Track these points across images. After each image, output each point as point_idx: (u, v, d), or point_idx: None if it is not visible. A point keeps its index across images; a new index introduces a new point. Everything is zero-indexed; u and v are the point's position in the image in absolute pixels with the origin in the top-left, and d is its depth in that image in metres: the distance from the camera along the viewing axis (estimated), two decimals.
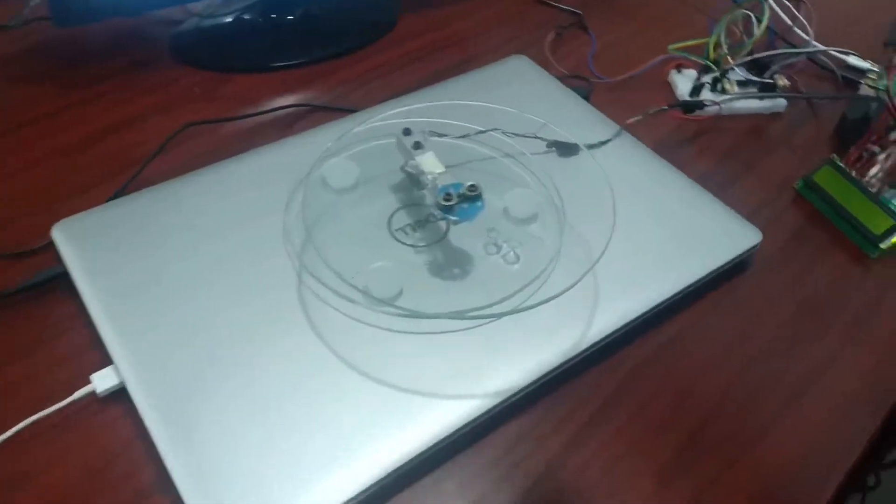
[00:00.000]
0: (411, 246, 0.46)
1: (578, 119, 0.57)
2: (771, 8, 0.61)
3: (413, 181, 0.49)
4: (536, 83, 0.60)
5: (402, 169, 0.49)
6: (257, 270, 0.44)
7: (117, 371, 0.40)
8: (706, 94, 0.63)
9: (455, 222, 0.43)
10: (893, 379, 0.46)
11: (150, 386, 0.39)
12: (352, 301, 0.41)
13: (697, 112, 0.60)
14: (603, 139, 0.55)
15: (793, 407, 0.44)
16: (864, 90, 0.63)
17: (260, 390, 0.39)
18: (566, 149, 0.53)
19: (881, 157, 0.54)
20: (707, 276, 0.48)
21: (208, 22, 0.70)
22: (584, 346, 0.43)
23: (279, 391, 0.39)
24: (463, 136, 0.53)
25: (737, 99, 0.61)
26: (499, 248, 0.47)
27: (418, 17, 0.72)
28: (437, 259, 0.46)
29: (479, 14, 0.73)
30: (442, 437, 0.38)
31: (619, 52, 0.69)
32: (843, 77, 0.66)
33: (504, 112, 0.53)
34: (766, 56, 0.63)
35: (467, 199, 0.43)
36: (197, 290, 0.43)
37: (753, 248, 0.50)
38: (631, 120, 0.56)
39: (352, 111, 0.57)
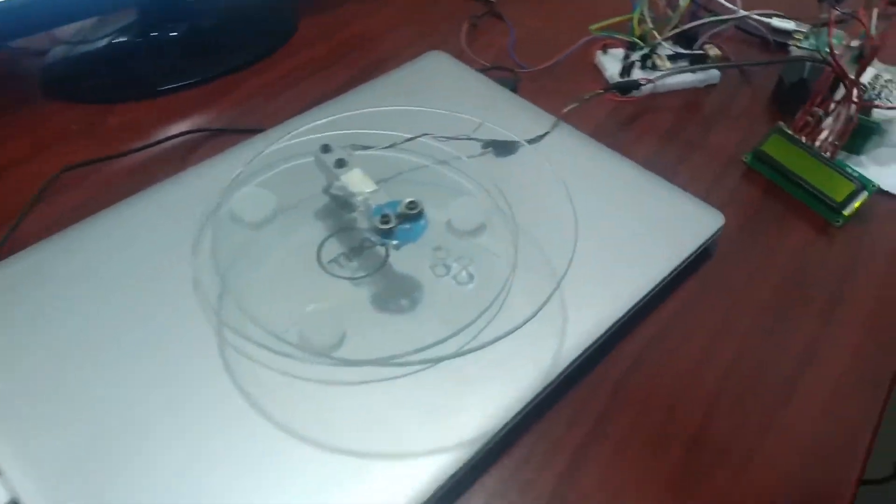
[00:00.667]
0: (349, 279, 0.40)
1: (510, 113, 0.52)
2: None
3: (341, 204, 0.43)
4: (459, 79, 0.55)
5: (327, 191, 0.43)
6: (167, 335, 0.37)
7: (7, 484, 0.32)
8: (637, 74, 0.59)
9: (397, 246, 0.37)
10: (884, 353, 0.43)
11: (52, 498, 0.31)
12: (287, 356, 0.35)
13: (633, 93, 0.56)
14: (540, 132, 0.50)
15: (792, 396, 0.40)
16: (795, 51, 0.60)
17: (189, 481, 0.32)
18: (504, 147, 0.48)
19: (828, 119, 0.51)
20: (676, 268, 0.43)
21: (80, 49, 0.61)
22: (562, 366, 0.37)
23: (212, 479, 0.32)
24: (390, 146, 0.47)
25: (670, 74, 0.58)
26: (448, 268, 0.41)
27: (319, 19, 0.66)
28: (380, 290, 0.40)
29: (385, 11, 0.67)
30: None
31: (540, 38, 0.65)
32: (776, 41, 0.63)
33: (431, 114, 0.48)
34: (693, 27, 0.60)
35: (408, 219, 0.37)
36: (97, 372, 0.35)
37: (717, 232, 0.46)
38: (567, 109, 0.52)
39: (258, 131, 0.50)
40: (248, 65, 0.60)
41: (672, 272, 0.43)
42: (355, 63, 0.61)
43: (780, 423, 0.39)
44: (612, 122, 0.57)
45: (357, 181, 0.39)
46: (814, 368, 0.41)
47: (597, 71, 0.61)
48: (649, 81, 0.56)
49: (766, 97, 0.60)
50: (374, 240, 0.38)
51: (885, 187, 0.50)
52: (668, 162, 0.54)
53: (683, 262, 0.44)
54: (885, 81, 0.52)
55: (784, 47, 0.63)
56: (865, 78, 0.54)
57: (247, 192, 0.44)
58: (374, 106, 0.49)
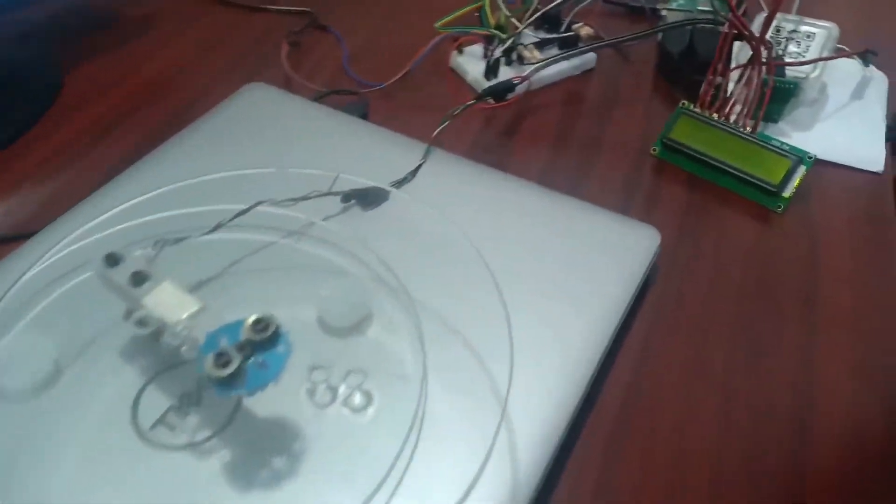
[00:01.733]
0: (185, 447, 0.27)
1: (366, 149, 0.40)
2: None
3: (154, 334, 0.29)
4: (290, 115, 0.42)
5: (128, 319, 0.29)
6: None
7: None
8: (505, 71, 0.49)
9: (249, 394, 0.24)
10: (887, 354, 0.35)
11: None
12: None
13: (508, 95, 0.46)
14: (410, 166, 0.39)
15: (805, 415, 0.31)
16: (673, 16, 0.53)
17: None
18: (370, 197, 0.36)
19: (737, 89, 0.43)
20: (628, 307, 0.33)
21: None
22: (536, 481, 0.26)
23: None
24: (214, 230, 0.33)
25: (543, 66, 0.48)
26: (333, 390, 0.29)
27: (93, 67, 0.51)
28: (237, 455, 0.27)
29: (178, 43, 0.53)
30: None
31: (380, 47, 0.53)
32: (650, 9, 0.55)
33: (262, 174, 0.35)
34: (555, 6, 0.50)
35: (258, 348, 0.24)
36: None
37: (656, 251, 0.36)
38: (436, 131, 0.41)
39: (16, 239, 0.35)
40: None
41: (624, 313, 0.33)
42: (151, 117, 0.46)
43: (808, 449, 0.30)
44: (492, 136, 0.46)
45: (168, 302, 0.26)
46: (817, 380, 0.33)
47: (456, 76, 0.51)
48: (523, 79, 0.46)
49: (650, 74, 0.52)
50: (212, 390, 0.25)
51: (819, 155, 0.43)
52: (569, 172, 0.44)
53: (632, 297, 0.34)
54: (789, 33, 0.45)
55: (658, 15, 0.55)
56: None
57: (9, 343, 0.29)
58: (181, 171, 0.35)
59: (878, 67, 0.48)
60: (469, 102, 0.43)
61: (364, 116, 0.45)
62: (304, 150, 0.39)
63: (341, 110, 0.44)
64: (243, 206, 0.34)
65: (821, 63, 0.43)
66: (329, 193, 0.35)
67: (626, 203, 0.42)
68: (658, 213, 0.41)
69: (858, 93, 0.46)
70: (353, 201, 0.36)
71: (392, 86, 0.49)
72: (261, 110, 0.43)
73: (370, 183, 0.36)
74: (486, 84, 0.48)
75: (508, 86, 0.45)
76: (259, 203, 0.34)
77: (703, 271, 0.38)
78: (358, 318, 0.31)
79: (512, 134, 0.46)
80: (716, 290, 0.37)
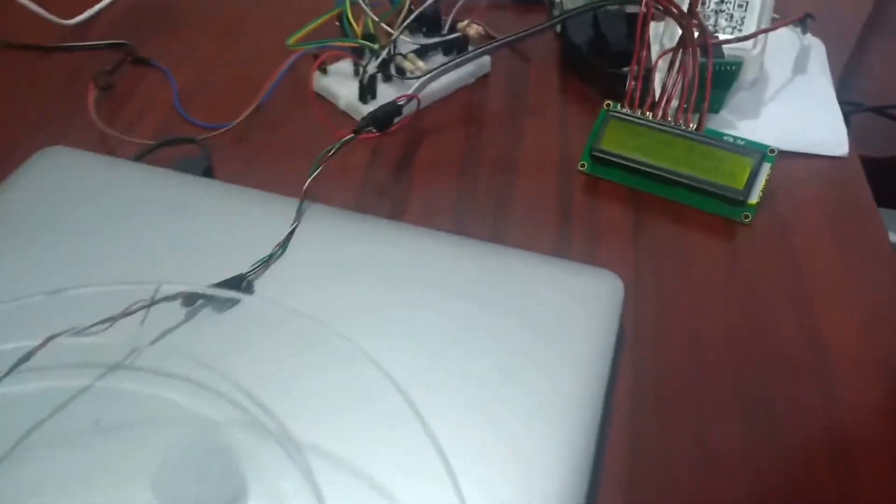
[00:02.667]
0: None
1: (211, 220, 0.29)
2: None
3: None
4: (101, 188, 0.31)
5: None
6: None
7: None
8: (385, 90, 0.39)
9: None
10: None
11: None
12: None
13: (395, 120, 0.36)
14: (277, 237, 0.28)
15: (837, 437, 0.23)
16: (568, 3, 0.44)
17: None
18: (219, 298, 0.26)
19: (670, 81, 0.35)
20: (610, 378, 0.24)
21: None
22: None
23: None
24: None
25: (431, 79, 0.39)
26: None
27: None
28: None
29: None
30: None
31: (220, 78, 0.42)
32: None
33: (63, 291, 0.24)
34: (431, 5, 0.41)
35: None
36: None
37: (621, 303, 0.28)
38: (308, 180, 0.30)
39: None
40: None
41: (608, 385, 0.24)
42: None
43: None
44: (383, 173, 0.36)
45: None
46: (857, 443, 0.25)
47: (325, 102, 0.40)
48: (409, 97, 0.36)
49: (559, 72, 0.43)
50: None
51: (776, 145, 0.36)
52: (485, 208, 0.34)
53: (612, 368, 0.25)
54: (717, 4, 0.37)
55: (554, 1, 0.47)
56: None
57: None
58: None
59: (812, 33, 0.42)
60: (346, 138, 0.32)
61: (207, 172, 0.34)
62: (119, 240, 0.28)
63: (175, 168, 0.32)
64: (33, 343, 0.22)
65: (761, 36, 0.35)
66: (158, 301, 0.24)
67: (561, 238, 0.33)
68: (604, 247, 0.33)
69: (800, 66, 0.40)
70: (199, 302, 0.25)
71: (242, 125, 0.38)
72: (59, 185, 0.31)
73: (212, 281, 0.25)
74: (365, 109, 0.38)
75: (393, 109, 0.35)
76: (53, 336, 0.22)
77: (677, 318, 0.30)
78: (224, 497, 0.20)
79: (407, 167, 0.37)
80: (699, 342, 0.29)
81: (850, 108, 0.39)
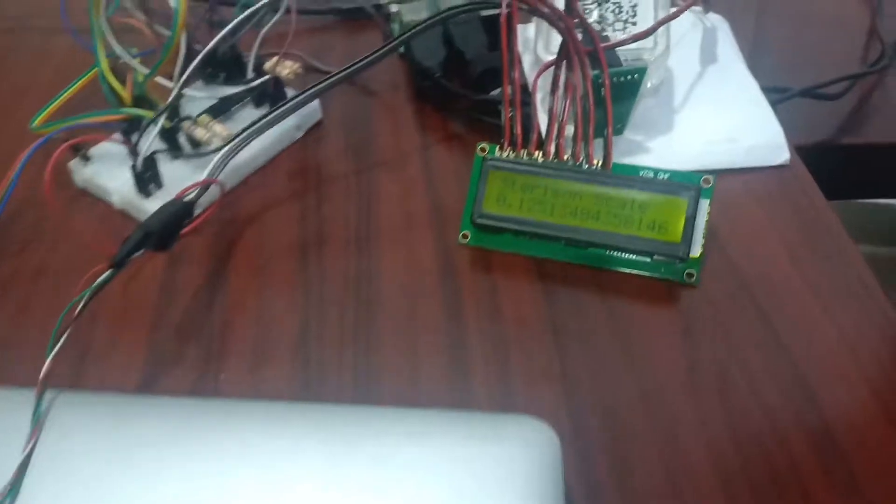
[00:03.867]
0: None
1: None
2: None
3: None
4: None
5: None
6: None
7: None
8: (175, 172, 0.28)
9: None
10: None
11: None
12: None
13: (186, 223, 0.25)
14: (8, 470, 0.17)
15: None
16: (411, 12, 0.34)
17: None
18: None
19: (556, 105, 0.26)
20: None
21: None
22: None
23: None
24: None
25: (236, 149, 0.28)
26: None
27: None
28: None
29: None
30: None
31: None
32: (375, 7, 0.36)
33: None
34: (222, 42, 0.30)
35: None
36: None
37: (560, 455, 0.18)
38: (47, 363, 0.19)
39: None
40: None
41: None
42: None
43: None
44: (181, 305, 0.25)
45: None
46: None
47: (93, 200, 0.29)
48: (202, 185, 0.25)
49: (413, 106, 0.33)
50: None
51: (701, 164, 0.28)
52: (342, 334, 0.24)
53: None
54: None
55: (388, 14, 0.37)
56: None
57: None
58: None
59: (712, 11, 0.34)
60: (98, 280, 0.21)
61: None
62: None
63: None
64: None
65: (661, 29, 0.27)
66: None
67: (455, 366, 0.23)
68: (520, 369, 0.23)
69: (708, 54, 0.31)
70: None
71: None
72: None
73: None
74: (149, 204, 0.27)
75: (177, 212, 0.24)
76: None
77: (641, 452, 0.21)
78: None
79: (220, 285, 0.26)
80: (676, 482, 0.20)
81: (777, 97, 0.31)
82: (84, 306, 0.21)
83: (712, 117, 0.29)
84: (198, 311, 0.25)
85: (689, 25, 0.31)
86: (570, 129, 0.26)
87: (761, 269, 0.25)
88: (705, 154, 0.28)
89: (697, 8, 0.32)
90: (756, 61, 0.33)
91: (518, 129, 0.26)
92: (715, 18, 0.33)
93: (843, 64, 0.37)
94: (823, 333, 0.24)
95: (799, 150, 0.30)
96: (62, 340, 0.20)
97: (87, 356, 0.24)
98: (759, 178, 0.28)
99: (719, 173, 0.28)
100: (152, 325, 0.25)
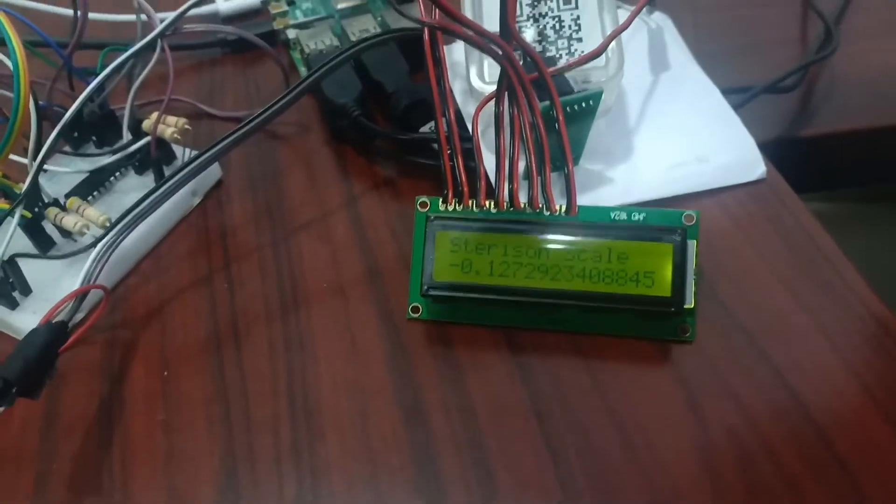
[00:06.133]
0: None
1: None
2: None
3: None
4: None
5: None
6: None
7: None
8: (44, 272, 0.22)
9: None
10: None
11: None
12: None
13: (60, 350, 0.20)
14: None
15: None
16: (309, 39, 0.29)
17: None
18: None
19: (503, 144, 0.22)
20: None
21: None
22: None
23: None
24: None
25: (118, 240, 0.22)
26: None
27: None
28: None
29: None
30: None
31: None
32: (265, 36, 0.30)
33: None
34: (88, 102, 0.24)
35: None
36: None
37: None
38: None
39: None
40: None
41: None
42: None
43: None
44: (68, 460, 0.20)
45: None
46: None
47: None
48: (82, 294, 0.20)
49: (330, 150, 0.28)
50: None
51: (673, 192, 0.24)
52: (283, 459, 0.19)
53: None
54: (531, 6, 0.24)
55: (286, 45, 0.31)
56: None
57: None
58: None
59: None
60: None
61: None
62: None
63: None
64: None
65: (614, 43, 0.23)
66: None
67: (421, 472, 0.19)
68: (499, 469, 0.19)
69: (659, 61, 0.28)
70: None
71: None
72: None
73: None
74: (17, 318, 0.22)
75: (48, 343, 0.18)
76: None
77: None
78: None
79: (116, 419, 0.20)
80: None
81: (738, 99, 0.28)
82: None
83: (676, 135, 0.25)
84: (92, 452, 0.20)
85: (632, 29, 0.27)
86: (522, 166, 0.22)
87: (758, 311, 0.22)
88: (674, 180, 0.24)
89: (646, 10, 0.29)
90: (703, 60, 0.29)
91: (462, 177, 0.22)
92: (659, 17, 0.29)
93: (788, 47, 0.34)
94: (841, 384, 0.21)
95: (760, 147, 0.27)
96: None
97: None
98: (734, 197, 0.25)
99: (688, 198, 0.24)
100: (37, 477, 0.19)
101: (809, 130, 0.32)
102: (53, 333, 0.18)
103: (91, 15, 0.26)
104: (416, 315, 0.22)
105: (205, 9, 0.33)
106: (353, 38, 0.29)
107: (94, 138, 0.26)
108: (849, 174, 0.34)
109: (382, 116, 0.28)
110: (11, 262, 0.22)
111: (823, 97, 0.33)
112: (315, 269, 0.24)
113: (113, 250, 0.21)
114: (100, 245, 0.21)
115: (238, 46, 0.32)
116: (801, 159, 0.31)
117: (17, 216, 0.22)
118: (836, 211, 0.36)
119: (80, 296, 0.20)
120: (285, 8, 0.32)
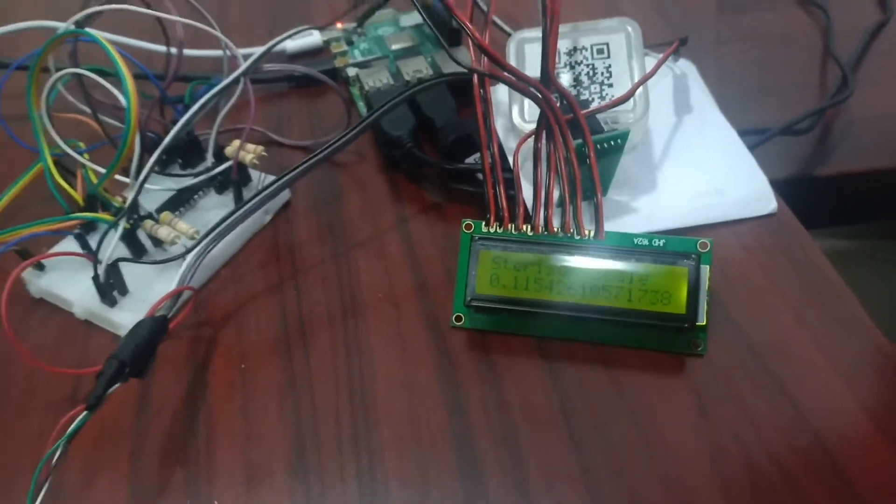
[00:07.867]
0: None
1: None
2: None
3: None
4: None
5: None
6: None
7: None
8: (140, 275, 0.26)
9: None
10: None
11: None
12: None
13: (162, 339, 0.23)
14: None
15: None
16: (366, 79, 0.33)
17: None
18: None
19: (541, 176, 0.25)
20: None
21: None
22: None
23: None
24: None
25: (207, 250, 0.26)
26: None
27: None
28: None
29: None
30: None
31: None
32: (345, 77, 0.34)
33: None
34: (182, 131, 0.28)
35: None
36: None
37: None
38: None
39: None
40: None
41: None
42: None
43: None
44: (160, 430, 0.23)
45: None
46: None
47: (55, 310, 0.26)
48: (178, 294, 0.23)
49: (385, 177, 0.32)
50: None
51: (690, 223, 0.27)
52: (341, 446, 0.23)
53: None
54: (568, 56, 0.27)
55: (344, 80, 0.35)
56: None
57: None
58: None
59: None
60: (79, 420, 0.19)
61: None
62: None
63: None
64: None
65: (641, 88, 0.26)
66: None
67: (462, 456, 0.22)
68: (529, 457, 0.22)
69: (682, 104, 0.31)
70: None
71: None
72: None
73: None
74: (115, 315, 0.25)
75: (151, 331, 0.22)
76: None
77: None
78: None
79: (200, 403, 0.24)
80: None
81: (755, 140, 0.30)
82: (63, 454, 0.19)
83: (696, 170, 0.28)
84: (180, 431, 0.23)
85: (659, 75, 0.30)
86: (556, 194, 0.25)
87: (765, 331, 0.25)
88: (693, 210, 0.27)
89: (672, 59, 0.32)
90: (725, 102, 0.32)
91: (504, 203, 0.25)
92: (684, 64, 0.32)
93: (805, 91, 0.37)
94: (840, 399, 0.23)
95: (774, 184, 0.29)
96: (43, 493, 0.18)
97: (67, 495, 0.21)
98: (749, 229, 0.28)
99: (704, 229, 0.27)
100: (132, 451, 0.23)
101: (824, 170, 0.34)
102: (157, 324, 0.22)
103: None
104: (459, 324, 0.25)
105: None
106: (407, 77, 0.33)
107: (179, 160, 0.30)
108: (861, 211, 0.36)
109: (431, 148, 0.31)
110: (114, 266, 0.25)
111: (838, 139, 0.35)
112: (371, 282, 0.27)
113: (203, 258, 0.25)
114: (192, 253, 0.25)
115: (303, 82, 0.35)
116: (815, 196, 0.33)
117: (120, 227, 0.26)
118: (846, 246, 0.39)
119: (177, 295, 0.23)
120: (345, 48, 0.36)
